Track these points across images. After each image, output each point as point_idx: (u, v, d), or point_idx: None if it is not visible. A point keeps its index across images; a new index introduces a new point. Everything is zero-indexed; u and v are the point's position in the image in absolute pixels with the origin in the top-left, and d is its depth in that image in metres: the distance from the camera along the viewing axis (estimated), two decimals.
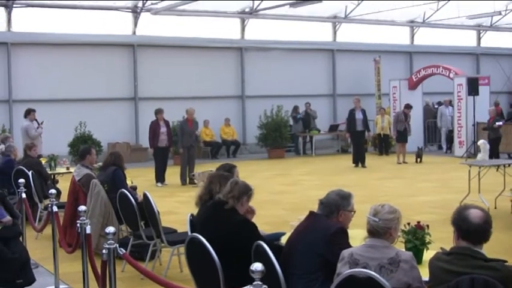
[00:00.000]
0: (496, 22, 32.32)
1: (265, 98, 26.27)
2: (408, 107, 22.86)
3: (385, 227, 4.68)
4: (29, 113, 17.01)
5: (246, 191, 6.12)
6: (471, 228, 4.25)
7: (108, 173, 9.78)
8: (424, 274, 4.63)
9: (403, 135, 22.24)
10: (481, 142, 15.08)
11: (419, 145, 23.57)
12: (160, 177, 17.71)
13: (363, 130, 21.45)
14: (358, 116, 21.21)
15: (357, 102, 21.46)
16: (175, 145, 19.03)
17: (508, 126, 22.44)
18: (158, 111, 17.79)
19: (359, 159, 21.08)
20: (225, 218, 5.95)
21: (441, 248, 4.62)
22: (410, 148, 22.71)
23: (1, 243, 6.88)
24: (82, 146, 12.33)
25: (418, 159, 21.92)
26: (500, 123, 21.23)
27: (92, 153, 10.49)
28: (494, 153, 19.52)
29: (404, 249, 5.23)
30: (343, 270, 4.57)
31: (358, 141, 21.48)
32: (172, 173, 18.00)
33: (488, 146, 14.95)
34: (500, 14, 28.96)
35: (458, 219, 4.32)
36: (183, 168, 17.77)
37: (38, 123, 16.83)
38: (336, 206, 5.42)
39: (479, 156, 14.51)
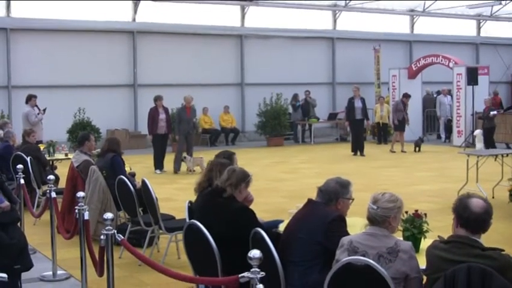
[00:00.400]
0: (496, 12, 32.24)
1: (265, 86, 26.25)
2: (406, 96, 22.85)
3: (383, 216, 4.68)
4: (30, 99, 17.03)
5: (244, 178, 6.10)
6: (471, 217, 4.26)
7: (106, 159, 9.76)
8: (421, 262, 4.63)
9: (401, 124, 22.26)
10: (477, 132, 15.11)
11: (418, 133, 23.62)
12: (159, 164, 17.71)
13: (362, 119, 21.45)
14: (358, 104, 21.20)
15: (356, 91, 21.45)
16: (174, 132, 19.04)
17: (506, 116, 22.44)
18: (157, 98, 17.77)
19: (358, 148, 21.09)
20: (223, 206, 5.95)
21: (439, 237, 4.62)
22: (409, 137, 22.77)
23: None
24: (81, 133, 12.34)
25: (417, 149, 21.91)
26: (495, 112, 21.25)
27: (90, 139, 10.50)
28: (488, 143, 19.55)
29: (402, 238, 5.24)
30: (342, 257, 4.58)
31: (357, 130, 21.48)
32: (171, 160, 18.01)
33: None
34: (500, 3, 28.94)
35: (459, 206, 4.34)
36: (178, 156, 17.74)
37: (39, 109, 16.83)
38: (336, 194, 5.42)
39: (477, 146, 14.54)
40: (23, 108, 17.24)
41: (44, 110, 17.04)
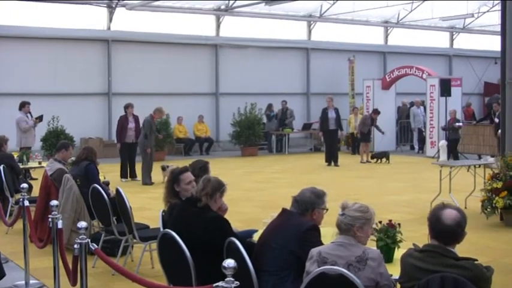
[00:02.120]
0: (468, 24, 32.64)
1: (239, 96, 26.29)
2: (376, 112, 23.07)
3: (348, 224, 4.69)
4: (23, 106, 17.45)
5: (219, 187, 6.10)
6: (442, 230, 4.30)
7: (81, 168, 9.72)
8: (395, 272, 4.66)
9: (366, 136, 22.49)
10: (442, 143, 15.19)
11: (392, 144, 23.81)
12: (124, 173, 17.59)
13: (336, 129, 21.53)
14: (331, 114, 21.29)
15: (330, 101, 21.55)
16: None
17: (479, 128, 22.65)
18: (128, 106, 17.72)
19: (332, 158, 21.16)
20: (197, 215, 5.94)
21: (414, 244, 4.66)
22: (383, 149, 23.02)
23: None
24: (62, 141, 12.31)
25: (379, 161, 21.94)
26: (461, 124, 21.47)
27: (68, 150, 10.45)
28: (452, 154, 19.70)
29: (376, 247, 5.26)
30: (312, 269, 4.57)
31: (331, 140, 21.56)
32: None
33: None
34: (472, 16, 29.26)
35: (432, 218, 4.38)
36: (149, 169, 17.12)
37: (31, 116, 17.01)
38: (311, 204, 5.44)
39: (441, 157, 14.60)
40: (16, 114, 17.53)
41: (40, 118, 17.25)
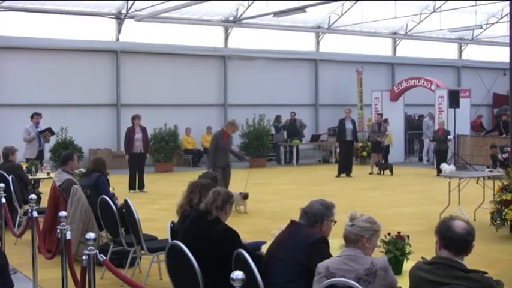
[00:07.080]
0: (477, 35, 32.65)
1: (248, 107, 26.30)
2: (379, 116, 23.10)
3: (358, 234, 4.68)
4: (32, 117, 17.34)
5: (229, 199, 6.13)
6: (454, 237, 4.28)
7: (92, 178, 9.70)
8: (404, 284, 4.64)
9: (376, 146, 22.39)
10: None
11: (400, 156, 23.68)
12: (133, 184, 17.62)
13: (352, 140, 21.55)
14: (348, 125, 21.38)
15: (348, 112, 21.67)
16: (156, 152, 18.77)
17: (487, 139, 22.58)
18: (135, 117, 17.78)
19: (346, 169, 21.15)
20: (208, 227, 5.94)
21: (422, 258, 4.63)
22: (390, 160, 22.94)
23: None
24: (64, 152, 12.28)
25: (382, 172, 21.87)
26: (451, 136, 21.51)
27: (73, 159, 10.46)
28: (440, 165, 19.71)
29: None
30: (320, 284, 4.54)
31: (347, 151, 21.57)
32: (154, 180, 17.93)
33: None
34: (481, 27, 29.25)
35: (443, 228, 4.36)
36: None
37: (37, 128, 17.15)
38: (321, 216, 5.42)
39: (447, 169, 14.58)
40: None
41: (50, 131, 17.23)
